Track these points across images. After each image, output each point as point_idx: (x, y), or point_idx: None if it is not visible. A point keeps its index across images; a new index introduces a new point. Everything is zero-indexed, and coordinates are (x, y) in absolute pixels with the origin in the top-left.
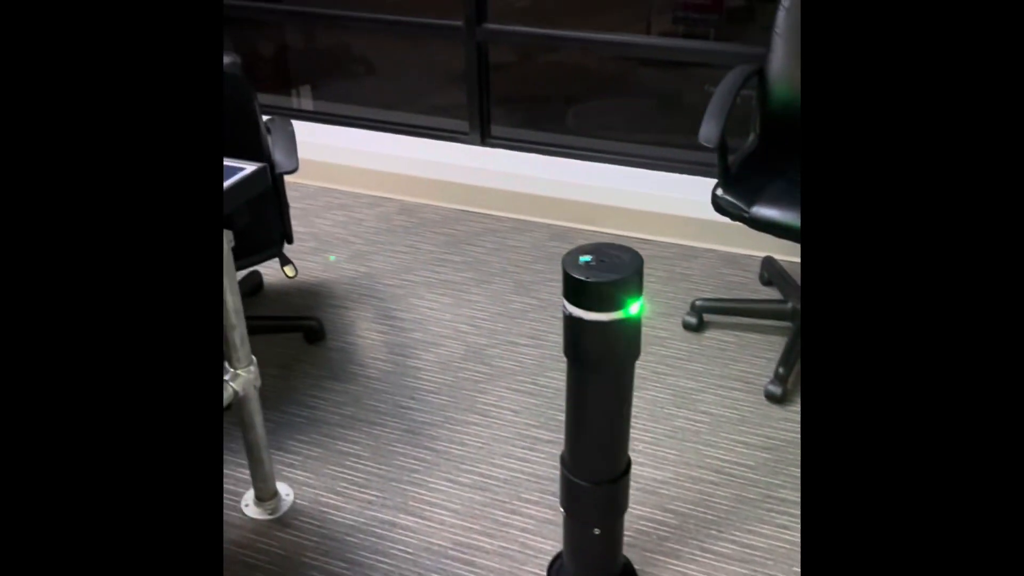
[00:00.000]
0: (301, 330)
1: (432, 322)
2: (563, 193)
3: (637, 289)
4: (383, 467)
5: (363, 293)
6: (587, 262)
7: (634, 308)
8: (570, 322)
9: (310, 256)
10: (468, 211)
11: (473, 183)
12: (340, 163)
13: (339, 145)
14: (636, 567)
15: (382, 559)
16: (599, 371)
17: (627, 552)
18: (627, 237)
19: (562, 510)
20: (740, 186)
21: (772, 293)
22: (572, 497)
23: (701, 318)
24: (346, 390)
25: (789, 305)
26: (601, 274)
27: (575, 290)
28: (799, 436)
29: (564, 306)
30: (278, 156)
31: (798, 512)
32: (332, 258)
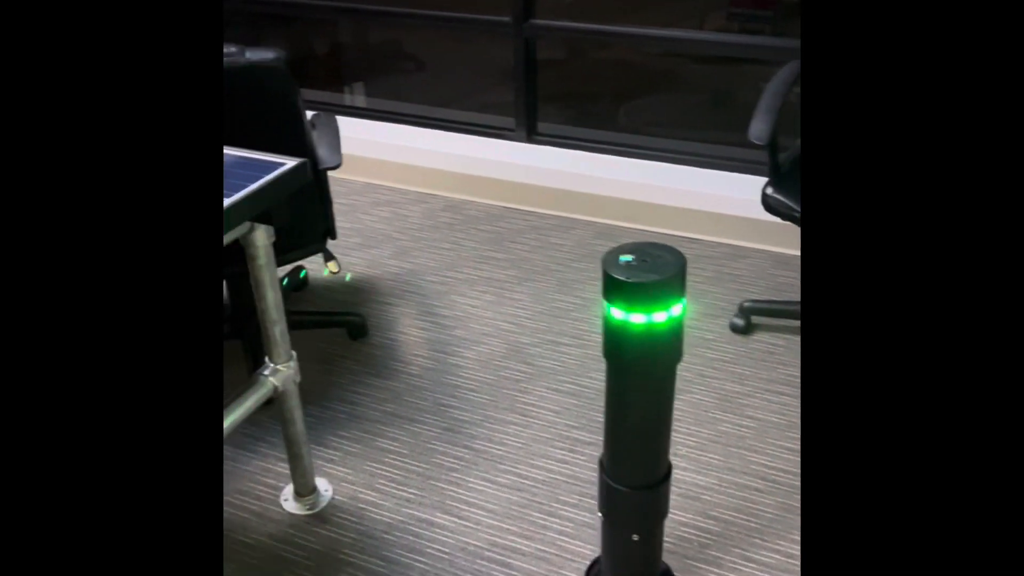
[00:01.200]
0: (344, 326)
1: (474, 319)
2: (609, 190)
3: (679, 290)
4: (422, 465)
5: (407, 289)
6: (628, 261)
7: (676, 310)
8: (609, 323)
9: (355, 252)
10: (513, 208)
11: (518, 180)
12: (387, 159)
13: (387, 141)
14: (676, 574)
15: (418, 558)
16: (639, 374)
17: (667, 559)
18: (674, 236)
19: (600, 515)
20: (791, 184)
21: None
22: (610, 502)
23: (749, 320)
24: (387, 386)
25: None
26: (642, 274)
27: (614, 290)
28: None
29: (603, 306)
30: (322, 151)
31: None
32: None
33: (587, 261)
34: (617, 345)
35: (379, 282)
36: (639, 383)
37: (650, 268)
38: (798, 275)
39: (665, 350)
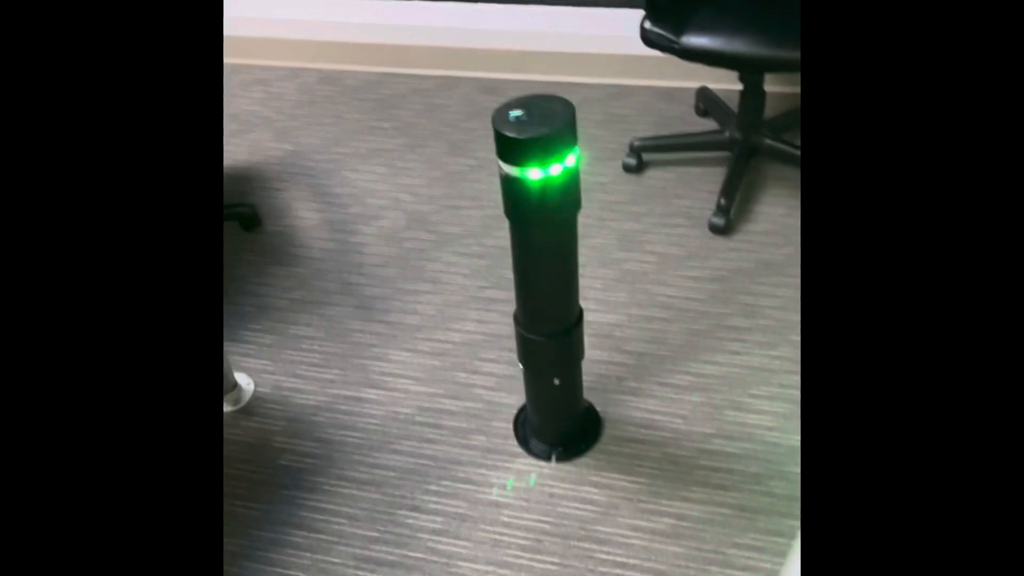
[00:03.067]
0: (236, 218)
1: (369, 194)
2: (489, 43)
3: (571, 140)
4: (340, 345)
5: (294, 172)
6: (517, 117)
7: (570, 160)
8: (506, 181)
9: (233, 139)
10: (392, 73)
11: (394, 42)
12: (250, 35)
13: (248, 15)
14: (599, 409)
15: (351, 433)
16: (541, 229)
17: (588, 396)
18: (559, 83)
19: (520, 366)
20: (668, 16)
21: (709, 124)
22: (529, 353)
23: (640, 158)
24: (291, 273)
25: (726, 134)
26: (533, 128)
27: (508, 148)
28: (744, 265)
29: (499, 166)
30: None
31: (749, 338)
32: None
33: (476, 119)
34: (517, 203)
35: (264, 168)
36: (542, 238)
37: (540, 121)
38: (682, 107)
39: (564, 202)
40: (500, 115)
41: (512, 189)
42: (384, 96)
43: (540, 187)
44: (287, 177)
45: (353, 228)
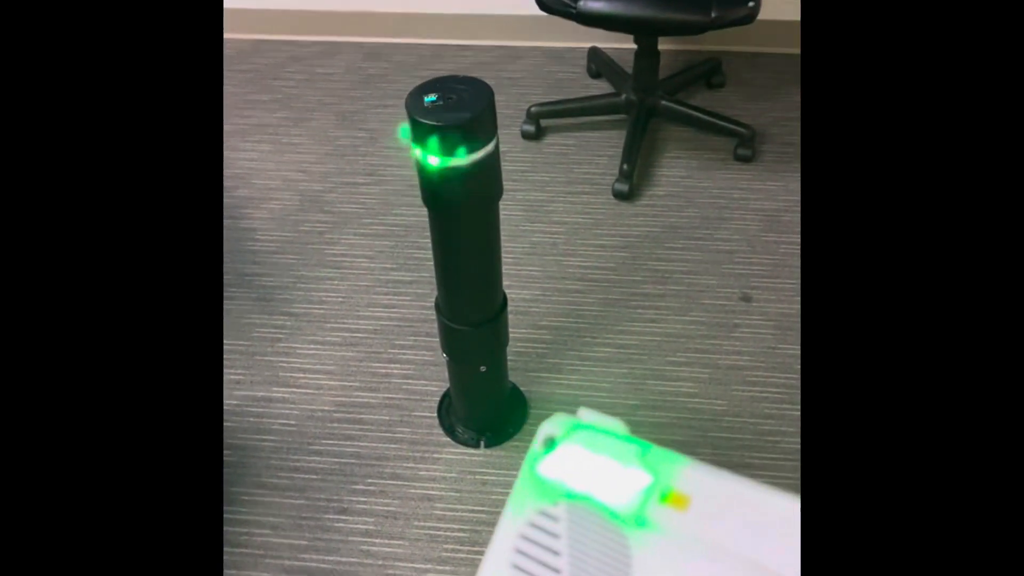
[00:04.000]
0: None
1: (256, 175)
2: (370, 4)
3: (492, 123)
4: (242, 342)
5: None
6: (433, 102)
7: (492, 144)
8: (426, 171)
9: None
10: (267, 40)
11: (269, 6)
12: None
13: None
14: (522, 388)
15: (266, 437)
16: (464, 217)
17: (511, 377)
18: (447, 45)
19: (444, 355)
20: None
21: (603, 86)
22: (453, 343)
23: (539, 125)
24: None
25: (623, 97)
26: (451, 114)
27: (427, 135)
28: (651, 230)
29: (416, 153)
30: None
31: (662, 304)
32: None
33: (363, 88)
34: (437, 192)
35: None
36: (465, 226)
37: (457, 105)
38: (575, 70)
39: (488, 187)
40: (414, 100)
41: (433, 178)
42: (260, 66)
43: (464, 175)
44: None
45: (242, 213)
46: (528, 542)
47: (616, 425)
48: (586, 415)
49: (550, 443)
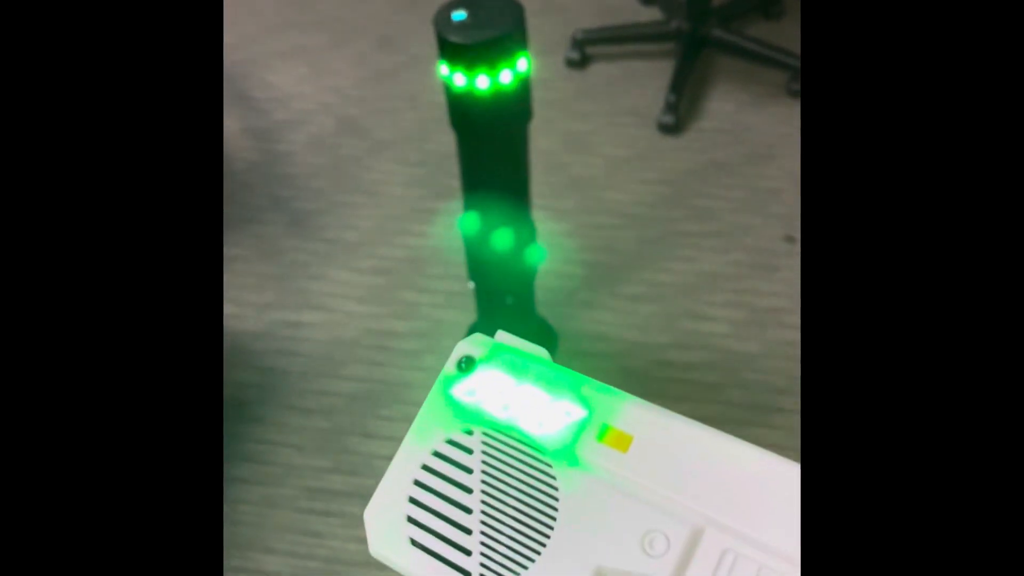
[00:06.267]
0: None
1: (294, 98)
2: None
3: (522, 42)
4: (274, 266)
5: None
6: (462, 20)
7: (522, 65)
8: (452, 91)
9: None
10: None
11: None
12: None
13: None
14: (552, 323)
15: (294, 359)
16: (491, 141)
17: (540, 310)
18: None
19: (471, 284)
20: None
21: (653, 13)
22: (481, 272)
23: (584, 52)
24: None
25: (673, 24)
26: (479, 31)
27: (453, 54)
28: (694, 166)
29: (443, 72)
30: None
31: (701, 243)
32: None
33: (405, 12)
34: (465, 114)
35: None
36: (493, 150)
37: (486, 22)
38: None
39: (516, 111)
40: (442, 16)
41: (459, 99)
42: None
43: (490, 96)
44: None
45: (278, 136)
46: (433, 475)
47: (541, 352)
48: (505, 338)
49: (468, 364)
